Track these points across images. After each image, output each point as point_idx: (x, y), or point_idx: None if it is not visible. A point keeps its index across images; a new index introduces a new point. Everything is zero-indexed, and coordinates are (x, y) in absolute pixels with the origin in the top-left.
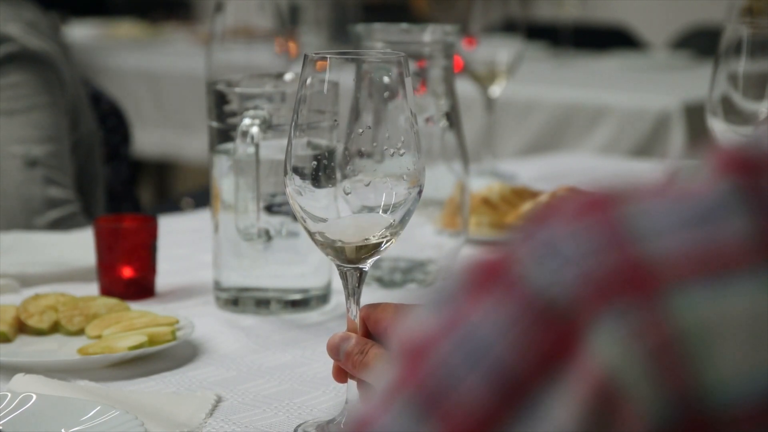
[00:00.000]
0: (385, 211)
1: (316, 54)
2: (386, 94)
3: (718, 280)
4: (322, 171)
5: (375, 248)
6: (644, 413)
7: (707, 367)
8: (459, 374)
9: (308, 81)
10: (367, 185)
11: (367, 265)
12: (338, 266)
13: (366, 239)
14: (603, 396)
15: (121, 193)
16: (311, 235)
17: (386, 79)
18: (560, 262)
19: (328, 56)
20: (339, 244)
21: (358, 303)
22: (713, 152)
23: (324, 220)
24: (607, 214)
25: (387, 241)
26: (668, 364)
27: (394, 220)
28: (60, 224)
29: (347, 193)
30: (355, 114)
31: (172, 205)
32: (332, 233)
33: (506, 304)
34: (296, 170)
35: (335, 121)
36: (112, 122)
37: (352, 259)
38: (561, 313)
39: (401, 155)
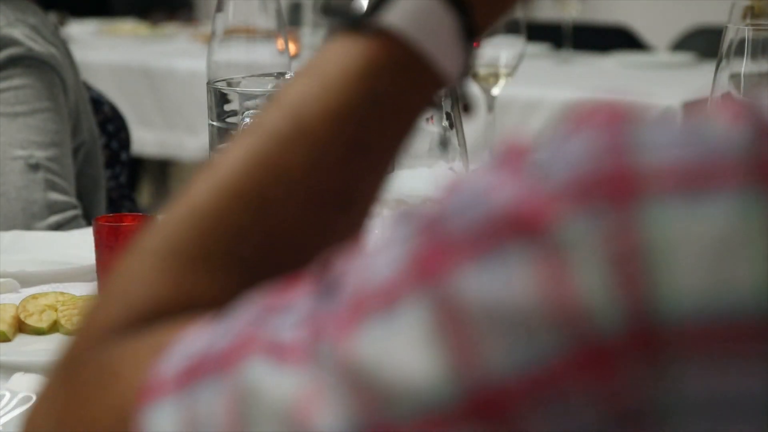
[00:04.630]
0: None
1: None
2: None
3: (698, 197)
4: None
5: None
6: (595, 315)
7: (665, 280)
8: (456, 213)
9: None
10: None
11: None
12: None
13: None
14: (559, 283)
15: (121, 198)
16: None
17: None
18: (562, 160)
19: None
20: None
21: None
22: (730, 105)
23: None
24: (619, 126)
25: None
26: (628, 273)
27: None
28: (61, 229)
29: None
30: None
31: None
32: None
33: (513, 177)
34: None
35: None
36: (113, 128)
37: None
38: (547, 194)
39: None
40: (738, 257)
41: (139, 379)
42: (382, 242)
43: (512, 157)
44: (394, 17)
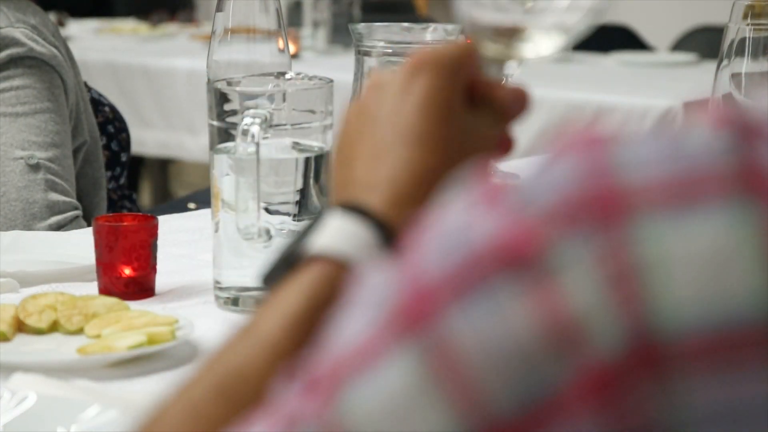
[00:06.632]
0: None
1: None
2: None
3: (687, 210)
4: None
5: None
6: (595, 337)
7: (663, 297)
8: (434, 258)
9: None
10: None
11: None
12: None
13: None
14: (554, 308)
15: (121, 199)
16: None
17: None
18: (543, 187)
19: None
20: None
21: None
22: (708, 112)
23: None
24: (599, 148)
25: None
26: (625, 291)
27: None
28: (61, 229)
29: None
30: None
31: (176, 208)
32: None
33: (491, 210)
34: None
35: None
36: (113, 129)
37: None
38: (531, 222)
39: None
40: (732, 267)
41: None
42: (351, 307)
43: (487, 193)
44: (323, 243)
